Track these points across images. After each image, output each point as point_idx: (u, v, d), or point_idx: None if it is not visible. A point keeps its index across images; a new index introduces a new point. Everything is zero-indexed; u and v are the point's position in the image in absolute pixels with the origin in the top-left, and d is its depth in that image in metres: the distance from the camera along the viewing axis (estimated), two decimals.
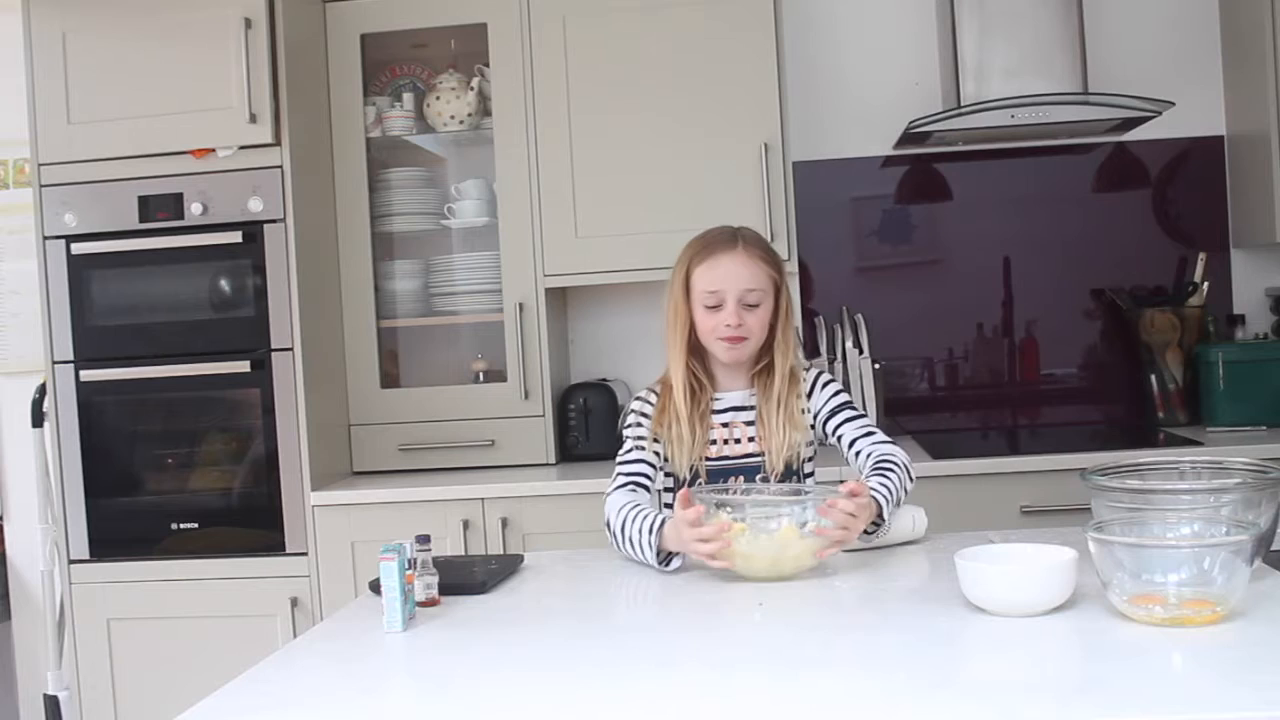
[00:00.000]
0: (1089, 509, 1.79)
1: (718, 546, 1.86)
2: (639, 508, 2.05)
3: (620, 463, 2.19)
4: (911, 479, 2.13)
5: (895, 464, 2.11)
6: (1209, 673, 1.35)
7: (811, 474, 2.24)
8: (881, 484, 2.04)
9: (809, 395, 2.21)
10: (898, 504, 2.08)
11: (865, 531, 1.98)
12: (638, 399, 2.25)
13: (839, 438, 2.20)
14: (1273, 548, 1.73)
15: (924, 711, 1.27)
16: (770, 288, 2.16)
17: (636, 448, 2.19)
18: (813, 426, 2.21)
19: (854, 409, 2.23)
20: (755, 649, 1.56)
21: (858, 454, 2.18)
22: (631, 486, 2.14)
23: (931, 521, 2.13)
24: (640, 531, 2.00)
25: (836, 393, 2.22)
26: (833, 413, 2.20)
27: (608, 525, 2.09)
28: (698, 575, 1.97)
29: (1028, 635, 1.52)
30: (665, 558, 1.99)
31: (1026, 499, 2.91)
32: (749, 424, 2.18)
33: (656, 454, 2.18)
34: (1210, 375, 3.24)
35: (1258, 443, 2.93)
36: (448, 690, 1.49)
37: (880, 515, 2.00)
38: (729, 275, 2.13)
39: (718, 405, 2.19)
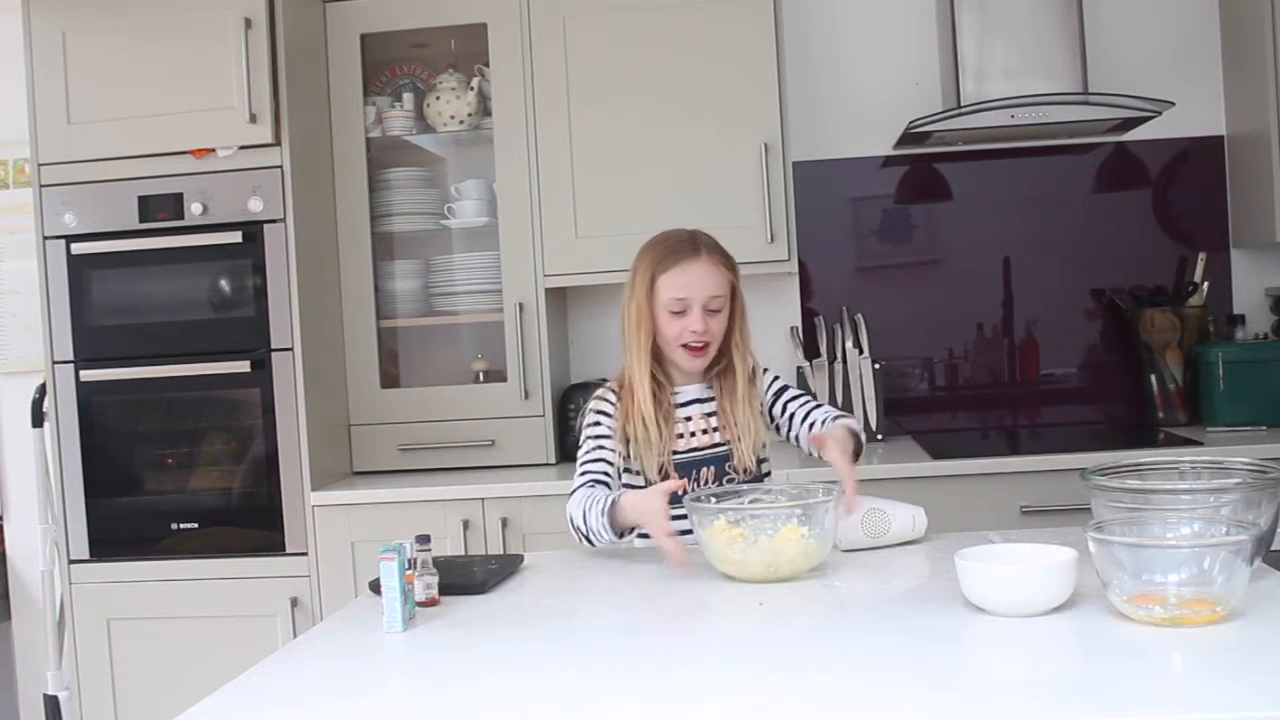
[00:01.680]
0: (1089, 509, 1.79)
1: (677, 547, 1.93)
2: (595, 499, 2.10)
3: (582, 463, 2.22)
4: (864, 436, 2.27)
5: (847, 418, 2.23)
6: (1209, 673, 1.35)
7: (767, 459, 2.31)
8: (845, 419, 2.20)
9: (766, 390, 2.29)
10: (859, 444, 2.17)
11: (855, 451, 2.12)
12: (596, 398, 2.27)
13: (790, 416, 2.27)
14: (1273, 548, 1.73)
15: (924, 711, 1.27)
16: (729, 292, 2.21)
17: (597, 448, 2.22)
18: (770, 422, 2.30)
19: (797, 389, 2.32)
20: (755, 649, 1.56)
21: (812, 424, 2.24)
22: (591, 484, 2.18)
23: (931, 521, 2.13)
24: (596, 512, 2.07)
25: (775, 378, 2.31)
26: (777, 394, 2.29)
27: (570, 521, 2.14)
28: (697, 575, 1.97)
29: (1028, 635, 1.52)
30: (621, 532, 2.08)
31: (1026, 499, 2.91)
32: (709, 415, 2.24)
33: (615, 453, 2.22)
34: (1210, 375, 3.24)
35: (1258, 443, 2.93)
36: (448, 690, 1.49)
37: (859, 441, 2.16)
38: (695, 283, 2.17)
39: (678, 400, 2.24)
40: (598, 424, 2.24)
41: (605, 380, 3.40)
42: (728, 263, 2.22)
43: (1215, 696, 1.26)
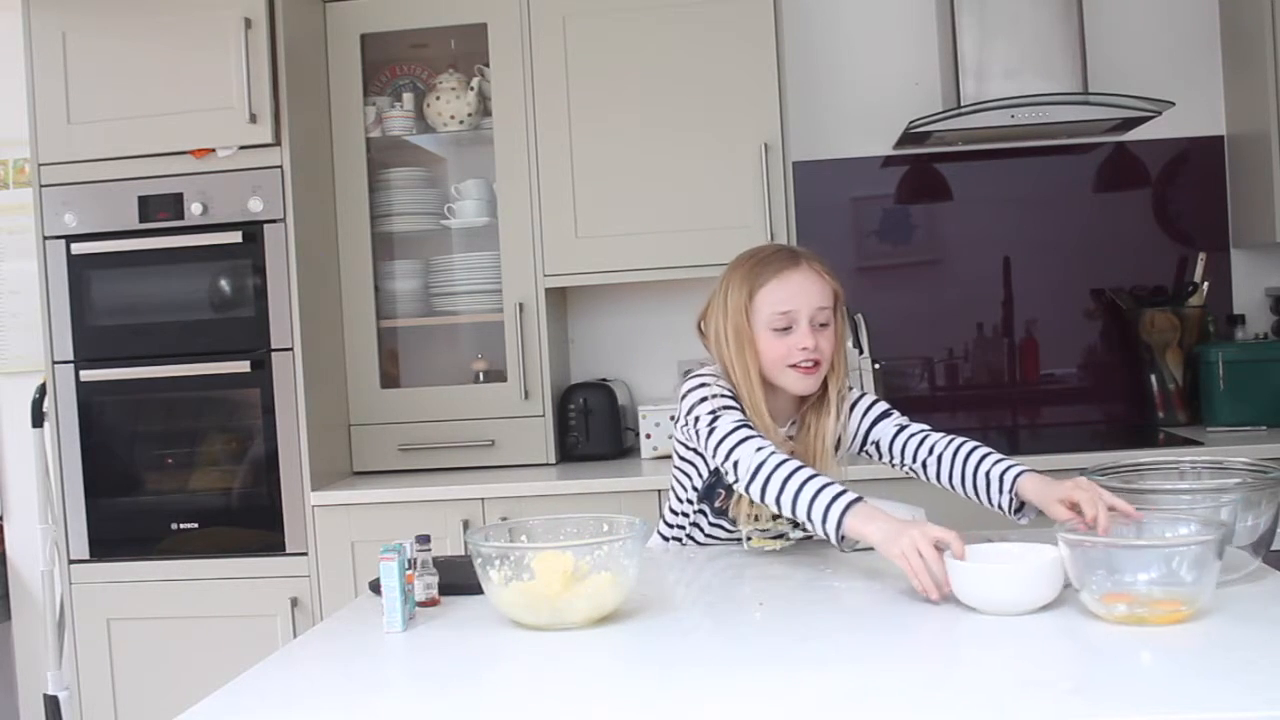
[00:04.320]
0: None
1: (935, 587, 1.65)
2: (818, 482, 1.80)
3: (743, 430, 1.91)
4: None
5: (974, 444, 2.01)
6: (1209, 672, 1.35)
7: None
8: (1000, 460, 1.96)
9: (848, 415, 2.09)
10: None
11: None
12: (713, 383, 1.99)
13: (875, 444, 2.11)
14: (1273, 548, 1.73)
15: (924, 711, 1.27)
16: (834, 304, 2.02)
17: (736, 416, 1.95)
18: (857, 449, 2.12)
19: (892, 415, 2.12)
20: (755, 649, 1.56)
21: (902, 448, 2.07)
22: (785, 457, 1.86)
23: (931, 521, 2.12)
24: (822, 499, 1.77)
25: (872, 406, 2.13)
26: (874, 423, 2.10)
27: (755, 475, 1.85)
28: (695, 575, 1.97)
29: (1026, 635, 1.52)
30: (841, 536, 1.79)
31: None
32: None
33: None
34: (1210, 375, 3.24)
35: (1258, 443, 2.93)
36: (448, 690, 1.49)
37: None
38: (801, 293, 1.96)
39: None
40: (732, 407, 1.96)
41: (605, 380, 3.44)
42: (831, 272, 2.01)
43: (1215, 696, 1.26)
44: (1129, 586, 1.52)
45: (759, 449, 1.87)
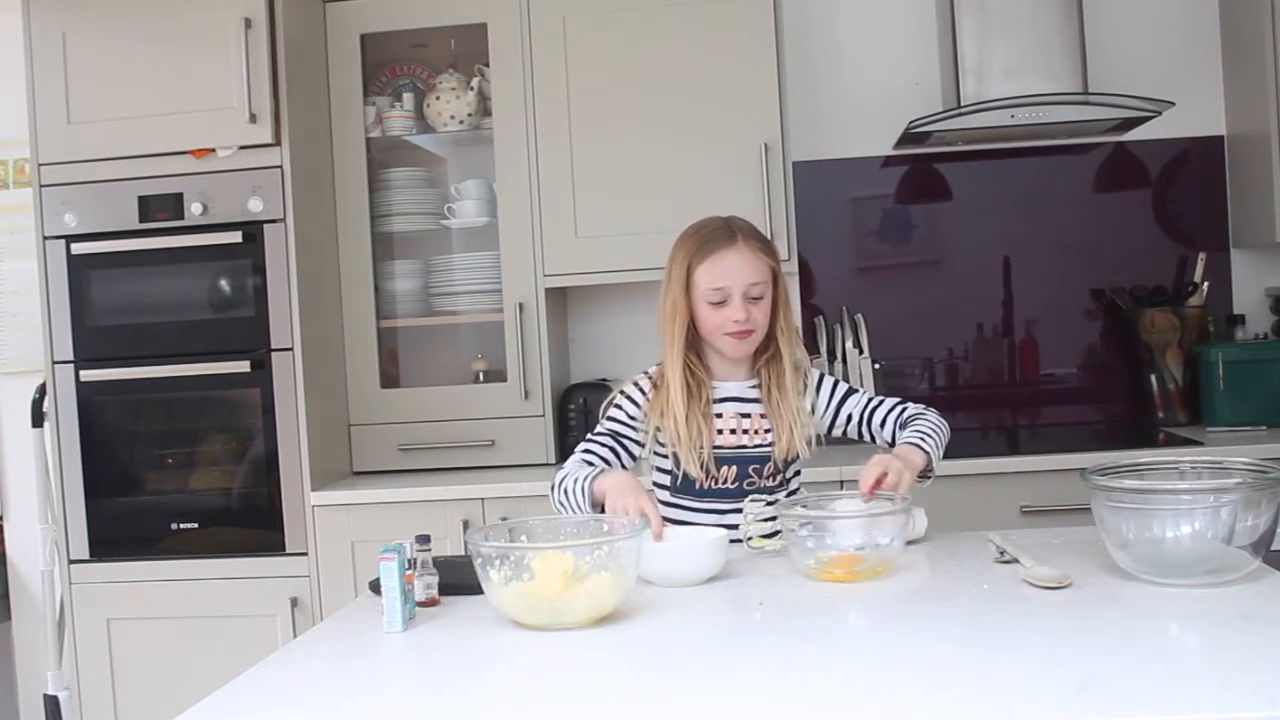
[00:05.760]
0: (1089, 509, 1.79)
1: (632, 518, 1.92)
2: (585, 473, 2.10)
3: (587, 440, 2.23)
4: (942, 422, 2.19)
5: (921, 416, 2.18)
6: (1211, 673, 1.35)
7: (798, 468, 2.26)
8: (915, 431, 2.12)
9: (816, 393, 2.23)
10: (940, 444, 2.13)
11: (923, 476, 2.09)
12: (631, 384, 2.24)
13: (849, 418, 2.24)
14: (1273, 548, 1.73)
15: (924, 710, 1.27)
16: (770, 278, 2.17)
17: (608, 434, 2.22)
18: (827, 426, 2.25)
19: (858, 390, 2.27)
20: (755, 649, 1.56)
21: (881, 424, 2.22)
22: (585, 463, 2.17)
23: (931, 521, 2.13)
24: (582, 483, 2.07)
25: (836, 384, 2.26)
26: (842, 400, 2.24)
27: (553, 486, 2.15)
28: None
29: (1021, 632, 1.53)
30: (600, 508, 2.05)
31: (1026, 499, 2.91)
32: (743, 415, 2.19)
33: (637, 444, 2.22)
34: (1210, 375, 3.24)
35: (1258, 443, 2.94)
36: (448, 690, 1.49)
37: (930, 463, 2.09)
38: (733, 270, 2.13)
39: (714, 395, 2.19)
40: (620, 407, 2.22)
41: (605, 380, 3.44)
42: (766, 249, 2.19)
43: (1210, 695, 1.26)
44: (840, 550, 1.84)
45: (563, 468, 2.17)
